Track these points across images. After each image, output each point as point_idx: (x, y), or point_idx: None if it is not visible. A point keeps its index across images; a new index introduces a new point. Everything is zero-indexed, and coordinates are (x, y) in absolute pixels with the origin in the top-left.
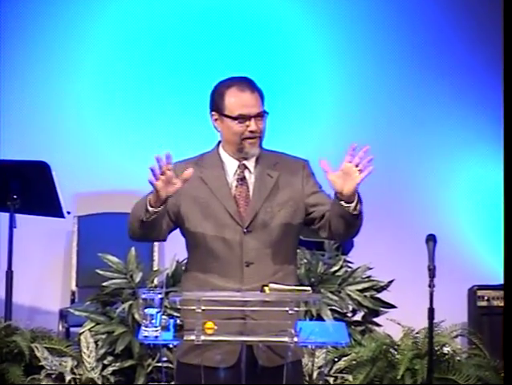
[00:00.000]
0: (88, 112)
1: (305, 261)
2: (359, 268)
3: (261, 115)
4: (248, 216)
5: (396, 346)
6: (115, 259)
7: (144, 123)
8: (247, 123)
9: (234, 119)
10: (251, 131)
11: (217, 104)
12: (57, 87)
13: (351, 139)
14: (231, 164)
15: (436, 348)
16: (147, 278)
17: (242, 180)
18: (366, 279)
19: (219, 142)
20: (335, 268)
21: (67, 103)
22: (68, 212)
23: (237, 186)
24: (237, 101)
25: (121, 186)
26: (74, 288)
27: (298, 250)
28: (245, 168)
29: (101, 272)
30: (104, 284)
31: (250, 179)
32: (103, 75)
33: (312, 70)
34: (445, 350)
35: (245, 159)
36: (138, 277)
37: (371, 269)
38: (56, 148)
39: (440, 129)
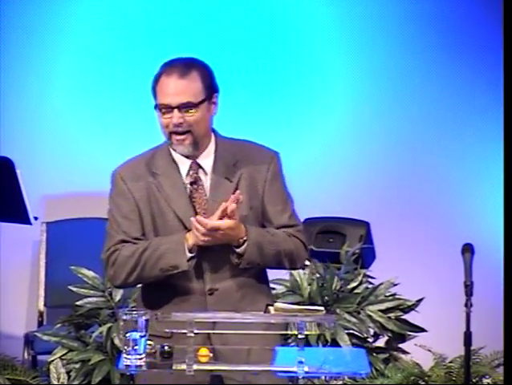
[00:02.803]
0: (60, 103)
1: (317, 275)
2: (382, 284)
3: (189, 106)
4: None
5: (426, 377)
6: (90, 273)
7: (121, 120)
8: (171, 114)
9: (158, 109)
10: (174, 125)
11: (153, 93)
12: (26, 76)
13: (373, 138)
14: (183, 164)
15: (473, 380)
16: (129, 296)
17: (196, 183)
18: (390, 297)
19: None
20: (354, 284)
21: (35, 93)
22: (35, 218)
23: (191, 191)
24: (161, 88)
25: (97, 188)
26: (42, 308)
27: (309, 263)
28: (199, 167)
29: (74, 289)
30: (78, 303)
31: (206, 182)
32: (81, 69)
33: (325, 61)
34: (485, 381)
35: (196, 156)
36: (118, 295)
37: (396, 285)
38: (22, 143)
39: (480, 127)
